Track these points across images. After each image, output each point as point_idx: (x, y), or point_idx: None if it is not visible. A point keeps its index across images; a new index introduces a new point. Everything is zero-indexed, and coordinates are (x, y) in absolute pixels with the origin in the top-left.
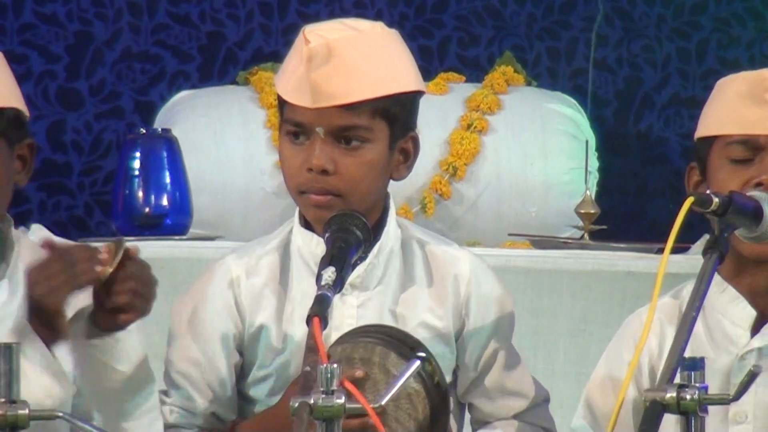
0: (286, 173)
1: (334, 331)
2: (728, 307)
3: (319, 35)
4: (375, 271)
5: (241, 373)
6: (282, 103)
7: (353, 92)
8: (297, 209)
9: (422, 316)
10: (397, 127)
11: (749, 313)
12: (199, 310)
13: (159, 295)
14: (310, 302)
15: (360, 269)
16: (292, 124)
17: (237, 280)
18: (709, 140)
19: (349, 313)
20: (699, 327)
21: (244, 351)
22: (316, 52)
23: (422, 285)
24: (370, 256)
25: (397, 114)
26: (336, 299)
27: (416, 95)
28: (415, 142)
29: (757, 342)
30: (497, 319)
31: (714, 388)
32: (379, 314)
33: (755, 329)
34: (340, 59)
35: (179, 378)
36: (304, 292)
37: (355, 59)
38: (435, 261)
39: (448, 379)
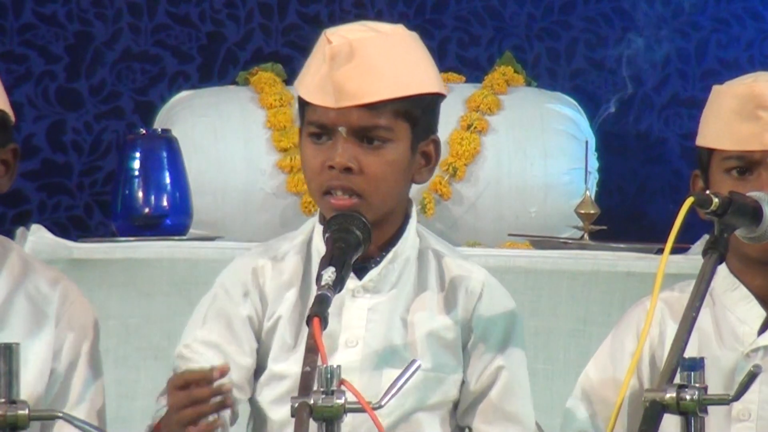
0: (308, 174)
1: (344, 331)
2: (738, 305)
3: (340, 35)
4: (389, 276)
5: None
6: (303, 106)
7: (375, 92)
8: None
9: (432, 326)
10: (418, 129)
11: (759, 313)
12: (220, 296)
13: (159, 295)
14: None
15: (374, 273)
16: (314, 125)
17: (261, 269)
18: (709, 150)
19: (359, 315)
20: (708, 323)
21: (261, 342)
22: (338, 50)
23: (434, 295)
24: (384, 260)
25: (418, 116)
26: (347, 300)
27: (437, 98)
28: (437, 145)
29: (764, 340)
30: (504, 337)
31: (719, 386)
32: (389, 319)
33: (763, 328)
34: (362, 58)
35: (191, 353)
36: None
37: (377, 59)
38: (449, 273)
39: (455, 395)
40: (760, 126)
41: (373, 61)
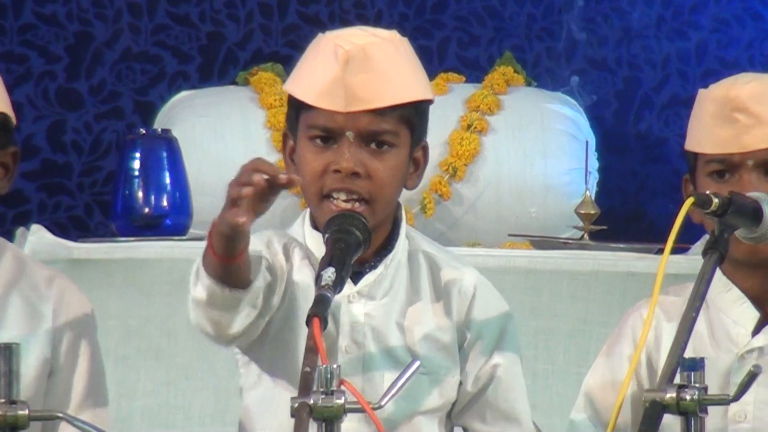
0: (308, 177)
1: (342, 337)
2: (732, 306)
3: (349, 41)
4: (383, 282)
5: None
6: (297, 108)
7: (385, 97)
8: (306, 212)
9: (428, 329)
10: (415, 135)
11: (752, 314)
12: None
13: (158, 295)
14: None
15: (370, 278)
16: (318, 129)
17: (293, 248)
18: (694, 154)
19: (356, 320)
20: (702, 325)
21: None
22: (353, 55)
23: (427, 298)
24: (382, 264)
25: (416, 122)
26: (343, 306)
27: (428, 104)
28: (425, 151)
29: (758, 341)
30: (498, 336)
31: (714, 387)
32: (385, 324)
33: (757, 330)
34: (376, 64)
35: None
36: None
37: (387, 65)
38: (440, 274)
39: (453, 397)
40: (736, 129)
41: (384, 67)
